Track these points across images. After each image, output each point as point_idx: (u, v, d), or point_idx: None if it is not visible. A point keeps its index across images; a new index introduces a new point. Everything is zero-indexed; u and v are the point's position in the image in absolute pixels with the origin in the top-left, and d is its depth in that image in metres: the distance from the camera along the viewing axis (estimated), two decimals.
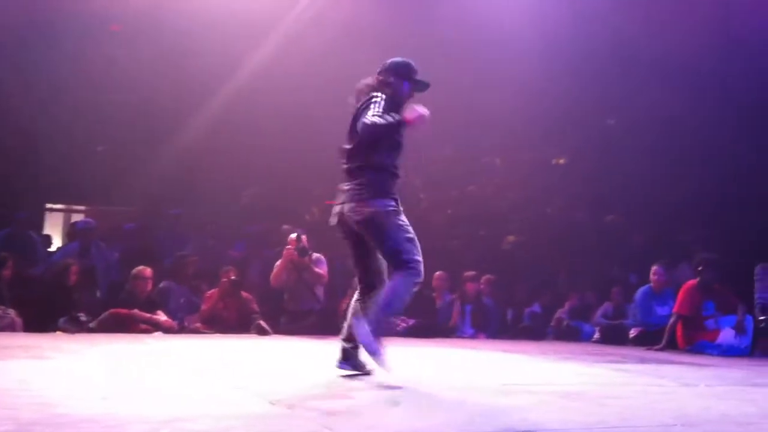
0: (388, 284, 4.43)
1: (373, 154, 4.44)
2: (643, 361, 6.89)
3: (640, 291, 9.48)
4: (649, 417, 3.53)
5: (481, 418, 3.30)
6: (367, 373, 4.52)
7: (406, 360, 6.12)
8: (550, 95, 11.08)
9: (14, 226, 9.70)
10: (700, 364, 6.69)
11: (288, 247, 8.99)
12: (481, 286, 10.12)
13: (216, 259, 10.04)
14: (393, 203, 4.44)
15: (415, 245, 4.40)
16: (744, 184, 10.87)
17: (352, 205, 4.45)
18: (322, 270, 9.15)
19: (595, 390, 4.50)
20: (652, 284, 9.39)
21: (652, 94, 10.81)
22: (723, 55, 10.22)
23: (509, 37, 10.29)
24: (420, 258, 4.39)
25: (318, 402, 3.64)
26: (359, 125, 4.38)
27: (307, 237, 9.11)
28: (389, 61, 4.70)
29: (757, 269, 9.02)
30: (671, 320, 8.57)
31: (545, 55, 10.62)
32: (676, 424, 3.32)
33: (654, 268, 9.39)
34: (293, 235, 9.07)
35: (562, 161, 14.13)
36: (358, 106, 4.52)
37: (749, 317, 8.39)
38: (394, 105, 4.44)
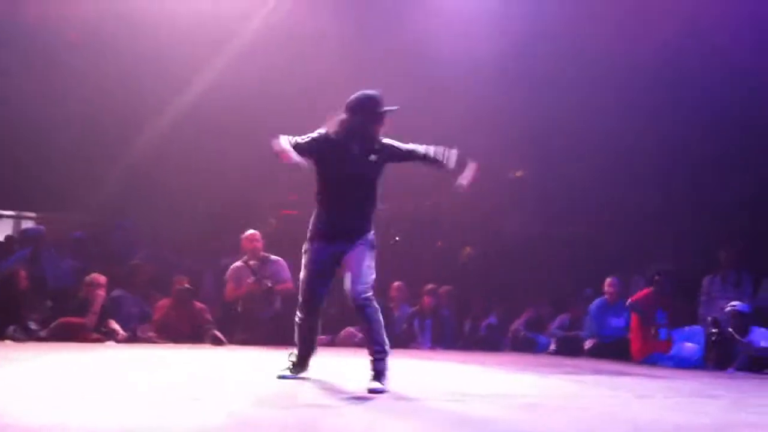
0: None
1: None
2: (598, 372, 6.95)
3: (595, 303, 9.59)
4: (604, 428, 3.55)
5: (437, 427, 3.28)
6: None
7: (361, 371, 6.09)
8: (510, 108, 11.11)
9: None
10: (654, 376, 6.77)
11: (249, 280, 8.87)
12: (440, 298, 10.12)
13: (169, 268, 9.89)
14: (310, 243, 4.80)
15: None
16: (701, 191, 11.04)
17: None
18: (284, 278, 8.92)
19: (552, 401, 4.51)
20: (606, 296, 9.50)
21: (609, 107, 10.91)
22: (690, 62, 10.28)
23: (469, 47, 10.31)
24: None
25: (275, 411, 3.58)
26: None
27: (265, 246, 9.02)
28: (352, 97, 4.74)
29: (705, 281, 9.20)
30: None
31: (503, 66, 10.67)
32: None
33: (608, 280, 9.52)
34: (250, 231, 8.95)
35: (519, 174, 14.23)
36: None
37: (700, 329, 8.54)
38: (350, 138, 4.67)
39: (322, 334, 9.04)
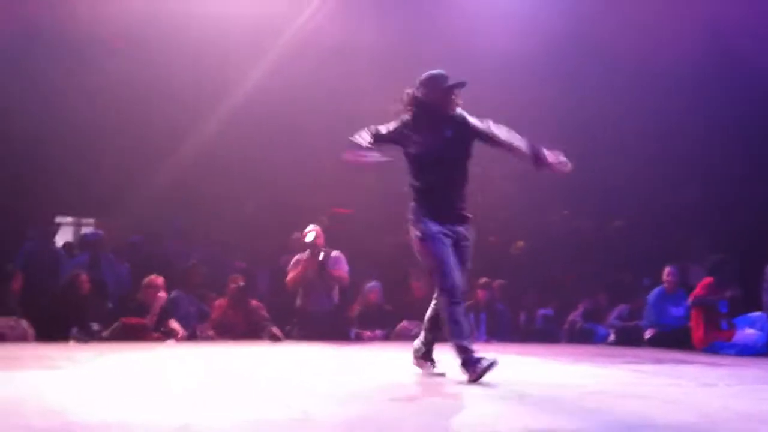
0: None
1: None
2: (659, 362, 6.82)
3: (654, 292, 9.43)
4: (668, 416, 3.47)
5: (498, 419, 3.25)
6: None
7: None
8: (548, 104, 11.02)
9: (37, 240, 9.63)
10: (717, 364, 6.62)
11: (306, 256, 8.86)
12: (494, 292, 10.06)
13: (222, 269, 10.03)
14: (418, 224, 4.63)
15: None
16: (744, 185, 10.88)
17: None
18: (342, 270, 8.98)
19: (613, 390, 4.44)
20: (665, 285, 9.34)
21: (647, 99, 10.82)
22: (714, 60, 10.23)
23: (502, 45, 10.28)
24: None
25: (336, 408, 3.59)
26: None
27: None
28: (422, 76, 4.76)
29: (767, 269, 8.95)
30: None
31: (537, 59, 10.66)
32: (697, 422, 3.26)
33: (667, 269, 9.35)
34: (311, 232, 8.88)
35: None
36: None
37: (763, 315, 8.33)
38: (423, 117, 4.66)
39: (378, 328, 9.20)
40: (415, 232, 4.65)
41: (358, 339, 8.96)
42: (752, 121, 10.63)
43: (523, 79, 10.75)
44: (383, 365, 6.14)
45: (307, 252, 8.85)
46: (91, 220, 13.27)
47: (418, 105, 4.69)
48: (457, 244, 4.66)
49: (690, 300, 8.69)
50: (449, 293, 4.51)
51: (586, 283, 11.01)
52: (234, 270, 9.83)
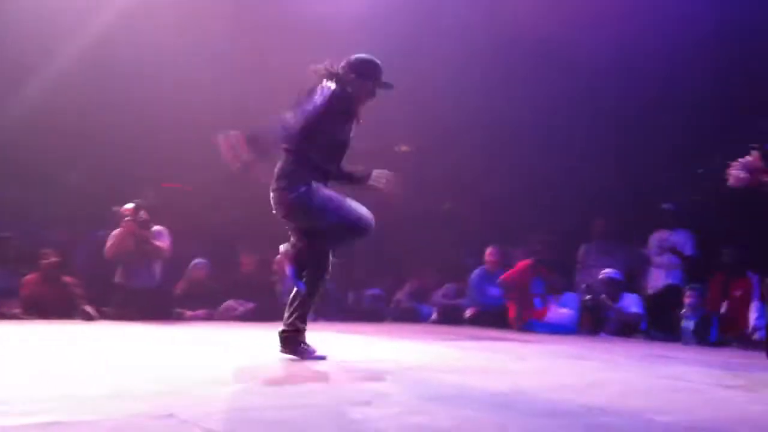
0: None
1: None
2: (475, 338, 7.05)
3: (476, 272, 9.73)
4: (483, 387, 3.55)
5: (319, 393, 3.20)
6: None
7: (245, 344, 5.95)
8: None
9: None
10: (530, 341, 6.93)
11: (126, 218, 8.46)
12: None
13: (38, 242, 9.36)
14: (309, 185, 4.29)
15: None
16: (572, 172, 11.40)
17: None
18: (163, 243, 8.66)
19: (431, 365, 4.52)
20: (486, 266, 9.66)
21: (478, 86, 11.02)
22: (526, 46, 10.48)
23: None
24: None
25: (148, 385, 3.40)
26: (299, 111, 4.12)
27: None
28: (355, 56, 4.48)
29: (580, 250, 9.51)
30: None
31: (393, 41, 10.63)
32: (509, 392, 3.36)
33: (489, 249, 9.69)
34: (130, 205, 8.51)
35: (405, 149, 14.30)
36: (308, 88, 4.30)
37: (575, 295, 8.83)
38: (345, 102, 4.31)
39: (203, 307, 8.92)
40: (303, 189, 4.28)
41: (180, 318, 8.62)
42: (575, 110, 11.06)
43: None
44: (197, 344, 5.96)
45: (125, 223, 8.43)
46: None
47: (354, 91, 4.39)
48: None
49: (498, 281, 9.07)
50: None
51: (418, 262, 11.20)
52: (50, 244, 9.19)
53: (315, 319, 9.36)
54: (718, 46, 9.20)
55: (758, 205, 5.74)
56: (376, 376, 3.80)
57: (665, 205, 8.95)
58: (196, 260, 9.37)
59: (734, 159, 4.89)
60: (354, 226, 4.43)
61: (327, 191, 4.37)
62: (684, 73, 9.61)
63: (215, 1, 10.05)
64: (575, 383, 3.87)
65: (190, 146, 7.95)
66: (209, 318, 8.83)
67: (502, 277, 9.07)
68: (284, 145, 4.29)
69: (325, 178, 4.41)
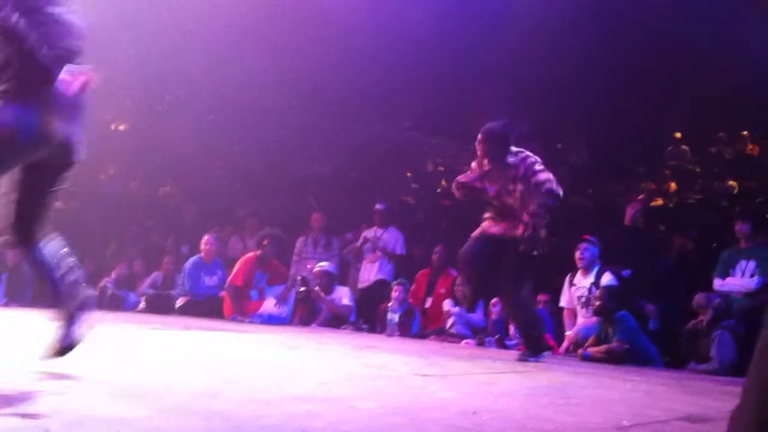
0: None
1: None
2: (188, 327, 6.83)
3: (190, 261, 9.47)
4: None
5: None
6: None
7: None
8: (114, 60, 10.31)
9: None
10: (245, 331, 6.86)
11: None
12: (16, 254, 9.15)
13: None
14: None
15: None
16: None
17: None
18: None
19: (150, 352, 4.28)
20: (202, 254, 9.43)
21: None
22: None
23: None
24: None
25: None
26: None
27: None
28: None
29: (298, 243, 9.63)
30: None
31: None
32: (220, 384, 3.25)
33: (205, 237, 9.47)
34: None
35: (122, 127, 13.53)
36: None
37: (282, 287, 8.91)
38: None
39: None
40: None
41: None
42: (356, 102, 11.08)
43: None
44: None
45: None
46: None
47: None
48: None
49: (228, 282, 8.94)
50: None
51: (126, 247, 10.68)
52: None
53: (8, 305, 8.60)
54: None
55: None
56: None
57: (378, 205, 9.31)
58: None
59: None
60: None
61: None
62: None
63: None
64: (287, 370, 3.86)
65: None
66: None
67: (230, 279, 8.88)
68: None
69: None
